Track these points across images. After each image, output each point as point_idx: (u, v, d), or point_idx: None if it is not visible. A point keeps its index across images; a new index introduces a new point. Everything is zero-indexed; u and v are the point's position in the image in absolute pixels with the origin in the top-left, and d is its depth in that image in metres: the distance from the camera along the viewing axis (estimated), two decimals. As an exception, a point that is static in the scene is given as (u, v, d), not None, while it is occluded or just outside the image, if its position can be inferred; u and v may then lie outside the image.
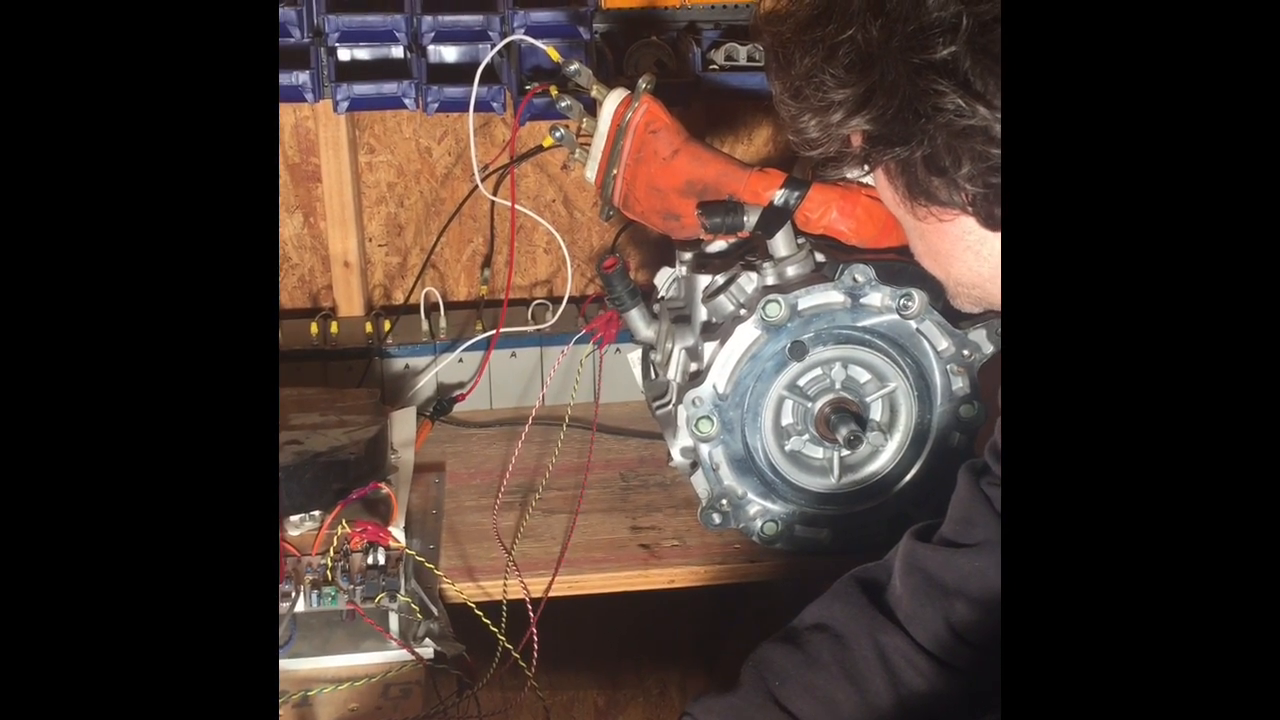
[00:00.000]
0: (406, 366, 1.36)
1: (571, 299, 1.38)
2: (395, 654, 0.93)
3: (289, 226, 1.47)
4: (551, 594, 1.04)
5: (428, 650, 0.93)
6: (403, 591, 0.95)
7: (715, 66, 1.32)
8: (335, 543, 0.97)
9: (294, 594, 0.93)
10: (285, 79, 1.27)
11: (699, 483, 1.07)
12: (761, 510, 1.07)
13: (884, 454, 1.06)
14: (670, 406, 1.11)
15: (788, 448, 1.05)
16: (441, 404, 1.33)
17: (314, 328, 1.37)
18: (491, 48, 1.23)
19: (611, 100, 1.06)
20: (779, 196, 1.02)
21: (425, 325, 1.38)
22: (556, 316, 1.36)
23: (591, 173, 1.10)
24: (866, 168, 0.68)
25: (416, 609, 0.94)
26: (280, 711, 0.86)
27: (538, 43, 1.18)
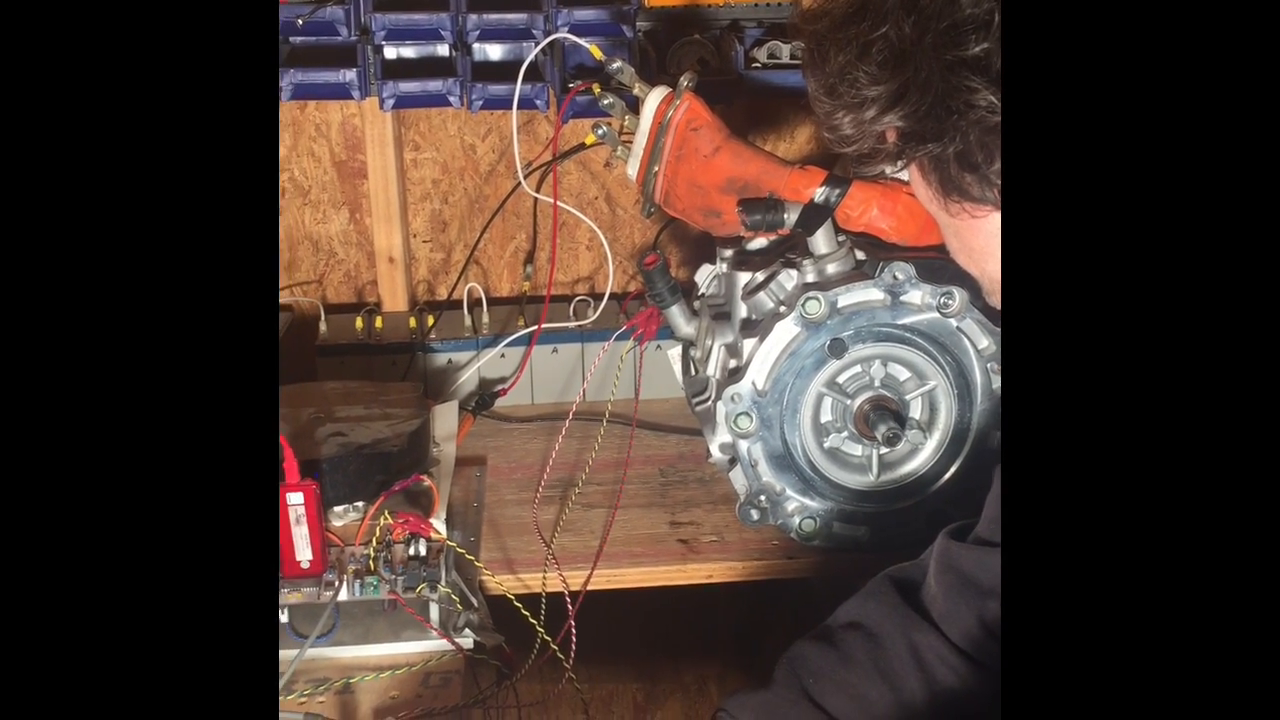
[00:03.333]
0: (449, 361, 1.37)
1: (613, 295, 1.39)
2: (435, 644, 0.94)
3: (335, 222, 1.50)
4: (590, 587, 1.05)
5: (467, 640, 0.94)
6: (443, 582, 0.96)
7: (758, 64, 1.32)
8: (377, 533, 0.99)
9: (337, 583, 0.94)
10: (332, 76, 1.29)
11: (737, 479, 1.08)
12: (800, 507, 1.07)
13: (923, 452, 1.06)
14: (709, 403, 1.11)
15: (826, 445, 1.06)
16: (484, 398, 1.34)
17: (359, 322, 1.39)
18: (535, 46, 1.24)
19: (653, 98, 1.07)
20: (820, 194, 1.03)
21: (468, 320, 1.40)
22: (598, 313, 1.37)
23: (633, 170, 1.11)
24: (900, 164, 0.68)
25: (456, 600, 0.96)
26: (323, 698, 0.88)
27: (580, 41, 1.19)
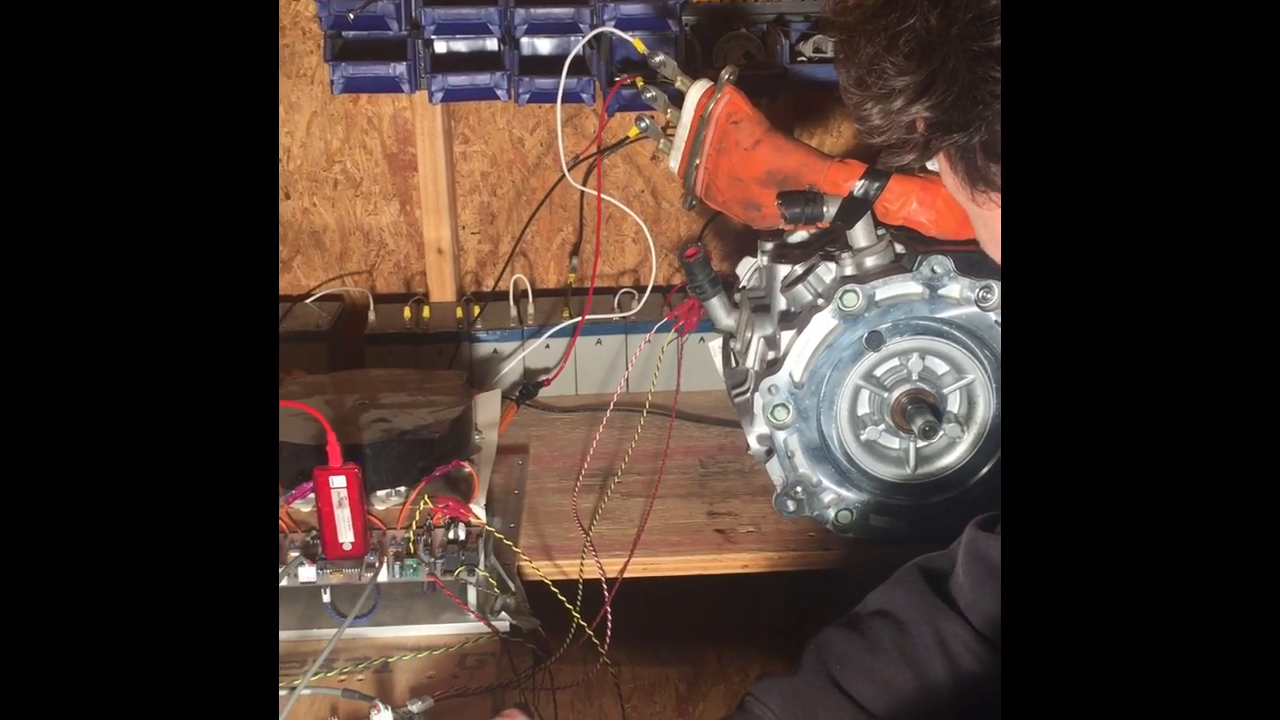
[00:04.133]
0: (495, 351, 1.39)
1: (656, 288, 1.40)
2: (472, 626, 0.96)
3: (386, 214, 1.52)
4: (626, 575, 1.06)
5: (504, 624, 0.95)
6: (481, 566, 0.97)
7: (803, 59, 1.33)
8: (418, 517, 1.01)
9: (378, 565, 0.96)
10: (383, 70, 1.32)
11: (774, 470, 1.08)
12: (836, 499, 1.07)
13: (960, 446, 1.06)
14: (748, 394, 1.12)
15: (863, 437, 1.06)
16: (527, 388, 1.36)
17: (407, 312, 1.41)
18: (581, 40, 1.26)
19: (695, 91, 1.08)
20: (859, 187, 1.03)
21: (514, 311, 1.42)
22: (641, 304, 1.38)
23: (675, 163, 1.12)
24: (929, 155, 0.69)
25: (494, 584, 0.97)
26: (362, 676, 0.90)
27: (625, 35, 1.20)
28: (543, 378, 1.38)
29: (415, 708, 0.85)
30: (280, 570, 0.95)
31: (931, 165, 0.94)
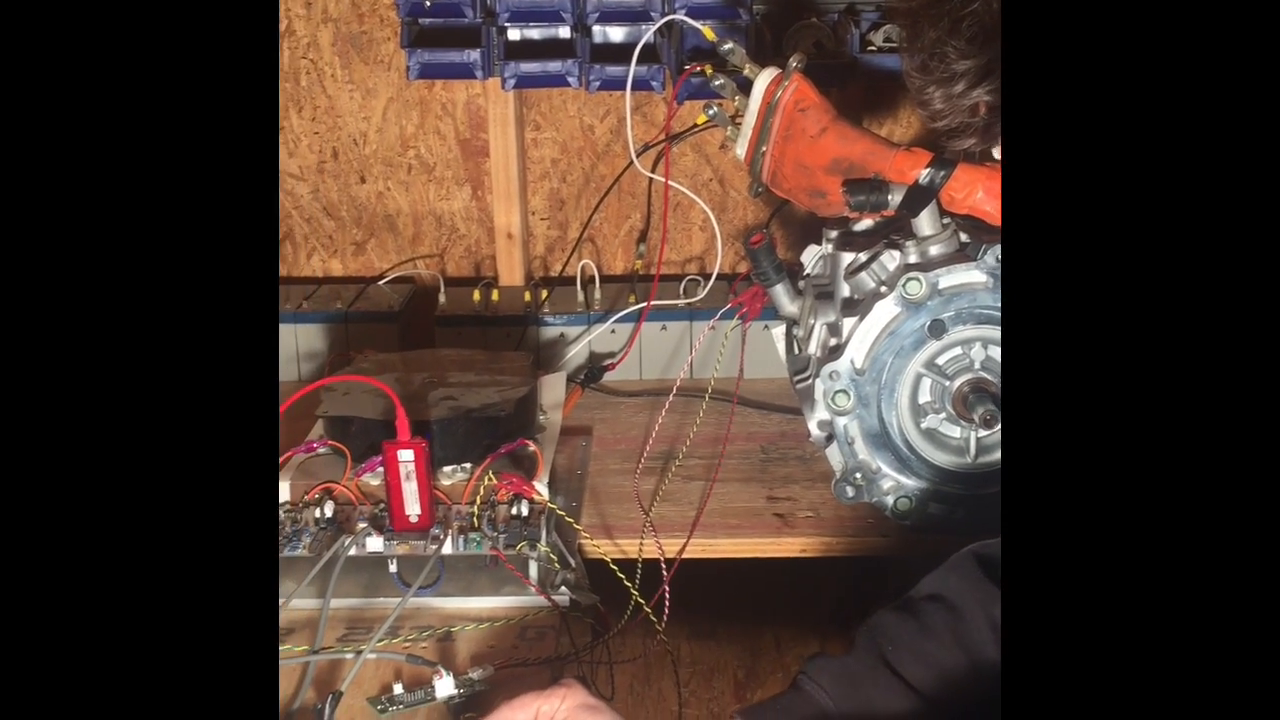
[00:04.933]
0: (561, 335, 1.41)
1: (721, 275, 1.41)
2: (533, 600, 0.98)
3: (458, 199, 1.55)
4: (685, 555, 1.08)
5: (564, 598, 0.97)
6: (543, 542, 0.99)
7: (874, 48, 1.33)
8: (482, 493, 1.03)
9: (442, 537, 0.99)
10: (457, 57, 1.34)
11: (834, 456, 1.09)
12: (895, 485, 1.08)
13: (1022, 436, 1.06)
14: (809, 380, 1.13)
15: (924, 425, 1.06)
16: (592, 371, 1.38)
17: (476, 295, 1.44)
18: (652, 28, 1.27)
19: (762, 79, 1.09)
20: (924, 176, 1.03)
21: (580, 296, 1.44)
22: (706, 291, 1.39)
23: (741, 150, 1.13)
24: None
25: (555, 559, 0.99)
26: (425, 644, 0.93)
27: (695, 22, 1.21)
28: (607, 362, 1.39)
29: (476, 675, 0.87)
30: (348, 540, 0.98)
31: (997, 154, 0.95)
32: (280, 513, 1.04)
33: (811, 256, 1.19)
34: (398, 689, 0.86)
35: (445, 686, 0.85)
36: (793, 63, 1.07)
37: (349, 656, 0.90)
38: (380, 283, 1.51)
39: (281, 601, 0.95)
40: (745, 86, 1.12)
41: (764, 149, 1.10)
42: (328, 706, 0.83)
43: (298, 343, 1.42)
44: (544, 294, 1.45)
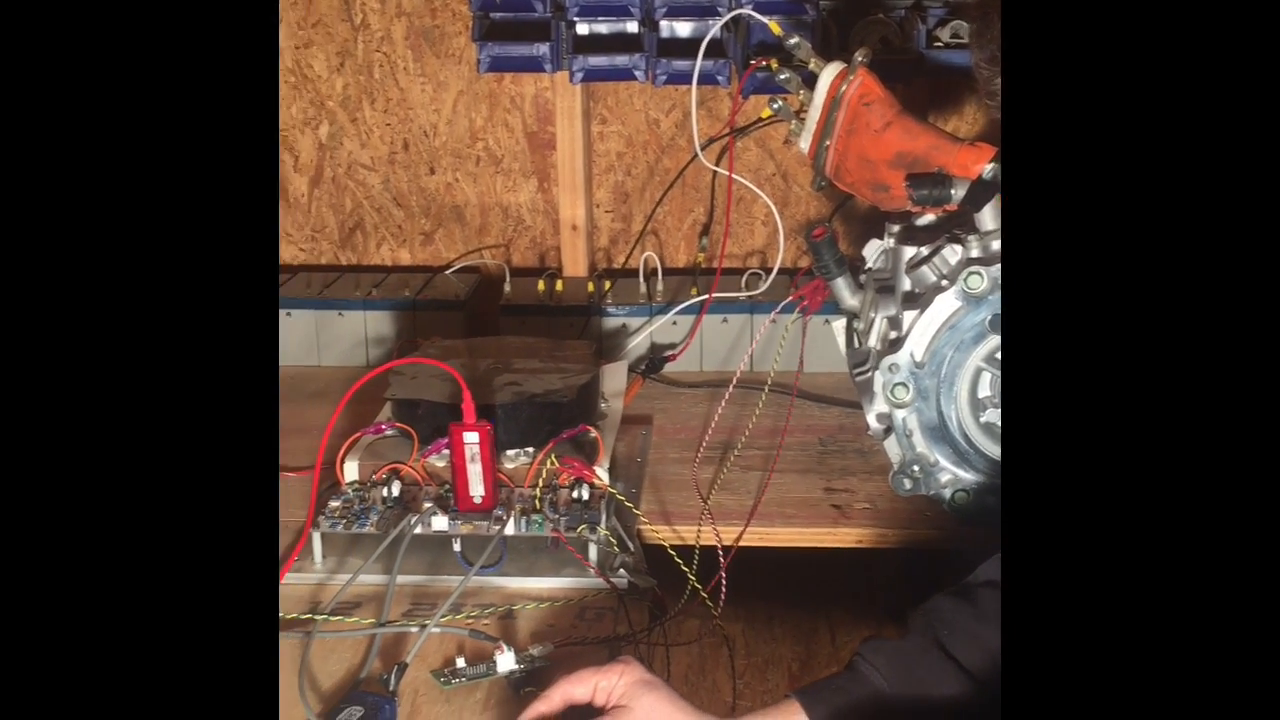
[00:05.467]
0: (623, 325, 1.43)
1: (783, 270, 1.42)
2: (592, 581, 1.00)
3: (524, 191, 1.58)
4: (742, 543, 1.09)
5: (622, 581, 0.99)
6: (603, 526, 1.02)
7: (940, 44, 1.33)
8: (545, 476, 1.06)
9: (505, 518, 1.01)
10: (527, 50, 1.37)
11: (891, 448, 1.10)
12: (953, 479, 1.08)
13: (1082, 432, 1.06)
14: (869, 373, 1.14)
15: (983, 419, 1.07)
16: (653, 362, 1.40)
17: (541, 285, 1.46)
18: (718, 22, 1.29)
19: (828, 73, 1.10)
20: (988, 171, 1.04)
21: (643, 288, 1.45)
22: (767, 285, 1.40)
23: (805, 143, 1.14)
24: None
25: (614, 543, 1.01)
26: (487, 620, 0.95)
27: (762, 17, 1.22)
28: (668, 352, 1.41)
29: (536, 651, 0.89)
30: (414, 519, 1.01)
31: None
32: (349, 491, 1.07)
33: (873, 250, 1.20)
34: (460, 662, 0.88)
35: (506, 661, 0.87)
36: (858, 57, 1.08)
37: (414, 630, 0.92)
38: (447, 272, 1.54)
39: (350, 576, 0.98)
40: (810, 81, 1.13)
41: (828, 143, 1.11)
42: (393, 676, 0.85)
43: (366, 329, 1.45)
44: (607, 285, 1.47)
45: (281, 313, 1.46)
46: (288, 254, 1.64)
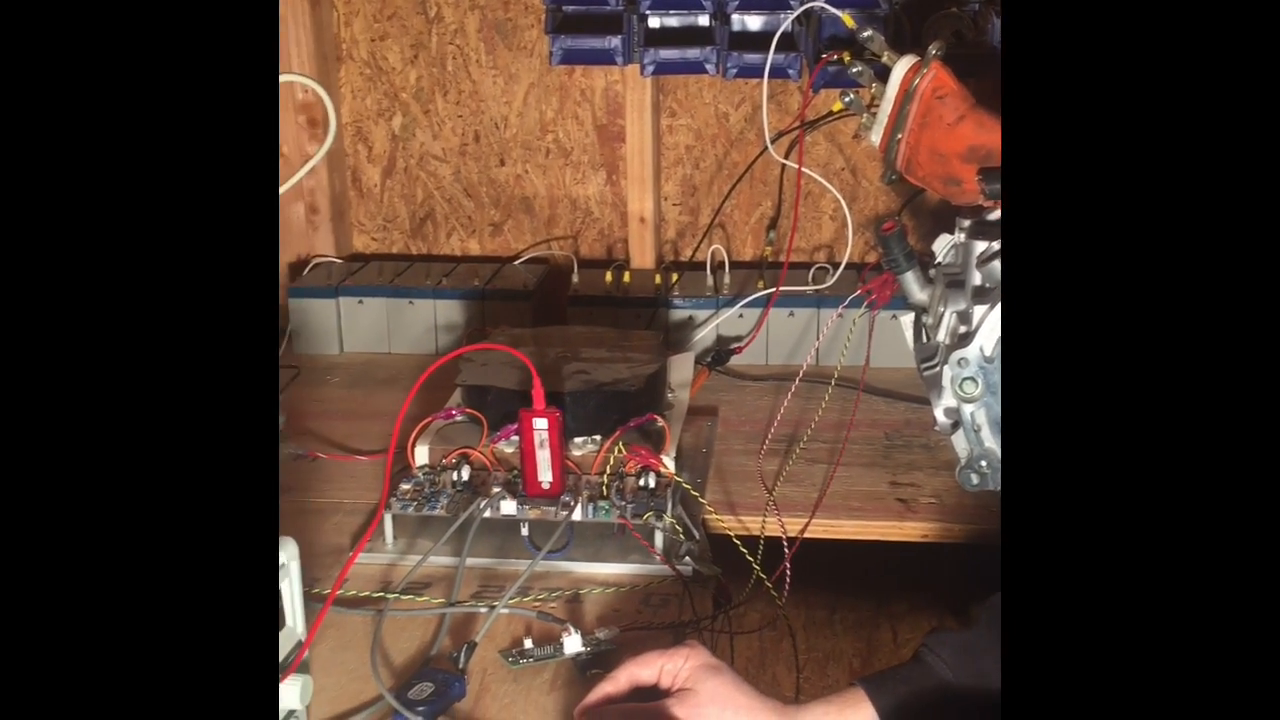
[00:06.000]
0: (690, 318, 1.44)
1: (850, 264, 1.42)
2: (657, 568, 1.01)
3: (593, 183, 1.59)
4: (806, 535, 1.10)
5: (687, 568, 1.00)
6: (669, 513, 1.02)
7: (1013, 39, 1.32)
8: (612, 464, 1.07)
9: (573, 504, 1.02)
10: (599, 43, 1.38)
11: (959, 442, 1.09)
12: (1021, 475, 1.08)
13: (1154, 430, 1.05)
14: (937, 367, 1.13)
15: (1053, 415, 1.06)
16: (719, 354, 1.40)
17: (608, 276, 1.48)
18: (790, 16, 1.29)
19: (901, 66, 1.09)
20: (1063, 165, 1.03)
21: (710, 280, 1.46)
22: (834, 279, 1.40)
23: (876, 137, 1.14)
24: None
25: (680, 531, 1.02)
26: (554, 603, 0.96)
27: (835, 10, 1.22)
28: (734, 345, 1.42)
29: (602, 635, 0.90)
30: (483, 503, 1.02)
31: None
32: (420, 475, 1.09)
33: (944, 245, 1.20)
34: (528, 643, 0.89)
35: (573, 644, 0.89)
36: (932, 50, 1.08)
37: (483, 610, 0.94)
38: (516, 262, 1.56)
39: (420, 557, 1.00)
40: (882, 74, 1.13)
41: (899, 136, 1.11)
42: (463, 654, 0.87)
43: (436, 316, 1.48)
44: (674, 277, 1.48)
45: (353, 300, 1.49)
46: (360, 243, 1.67)
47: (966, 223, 1.15)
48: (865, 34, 1.12)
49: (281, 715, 0.75)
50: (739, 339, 1.43)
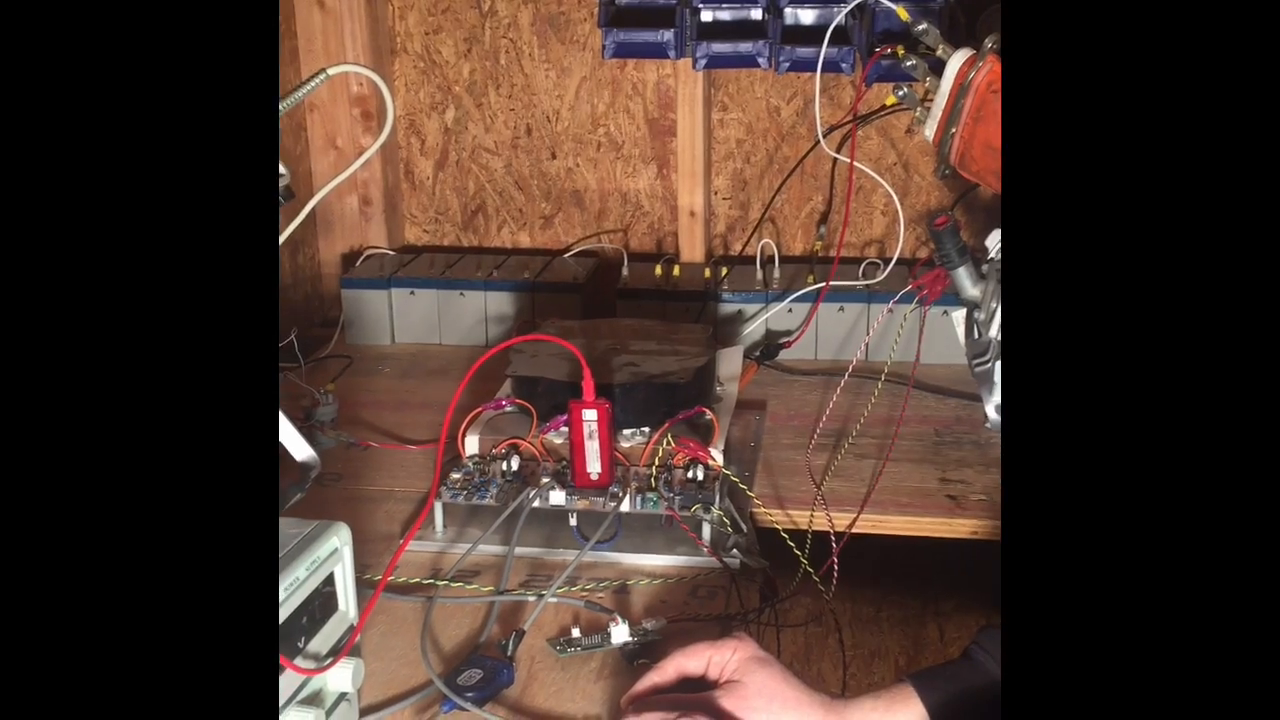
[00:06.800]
0: (739, 312, 1.44)
1: (901, 260, 1.42)
2: (705, 560, 1.01)
3: (644, 177, 1.59)
4: (855, 530, 1.09)
5: (734, 561, 1.00)
6: (717, 506, 1.03)
7: (1070, 33, 1.31)
8: (660, 456, 1.07)
9: (621, 496, 1.03)
10: (651, 36, 1.38)
11: (1011, 439, 1.09)
12: (1073, 473, 1.07)
13: (1210, 429, 1.03)
14: (989, 364, 1.13)
15: (1106, 413, 1.05)
16: (769, 349, 1.40)
17: (658, 270, 1.48)
18: (843, 9, 1.28)
19: (956, 59, 1.09)
20: (1120, 160, 1.02)
21: (759, 275, 1.46)
22: (885, 274, 1.40)
23: (930, 131, 1.13)
24: None
25: (728, 523, 1.02)
26: (602, 593, 0.97)
27: (889, 3, 1.22)
28: (784, 340, 1.42)
29: (650, 625, 0.90)
30: (532, 492, 1.03)
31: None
32: (470, 464, 1.10)
33: (996, 240, 1.19)
34: (575, 632, 0.90)
35: (620, 633, 0.89)
36: (988, 43, 1.07)
37: (531, 599, 0.95)
38: (566, 255, 1.57)
39: (469, 545, 1.01)
40: (937, 68, 1.13)
41: (954, 130, 1.10)
42: (511, 642, 0.88)
43: (487, 308, 1.49)
44: (724, 271, 1.48)
45: (405, 291, 1.50)
46: (412, 235, 1.68)
47: (1020, 218, 1.14)
48: (920, 27, 1.11)
49: (334, 698, 0.76)
50: (788, 333, 1.43)
